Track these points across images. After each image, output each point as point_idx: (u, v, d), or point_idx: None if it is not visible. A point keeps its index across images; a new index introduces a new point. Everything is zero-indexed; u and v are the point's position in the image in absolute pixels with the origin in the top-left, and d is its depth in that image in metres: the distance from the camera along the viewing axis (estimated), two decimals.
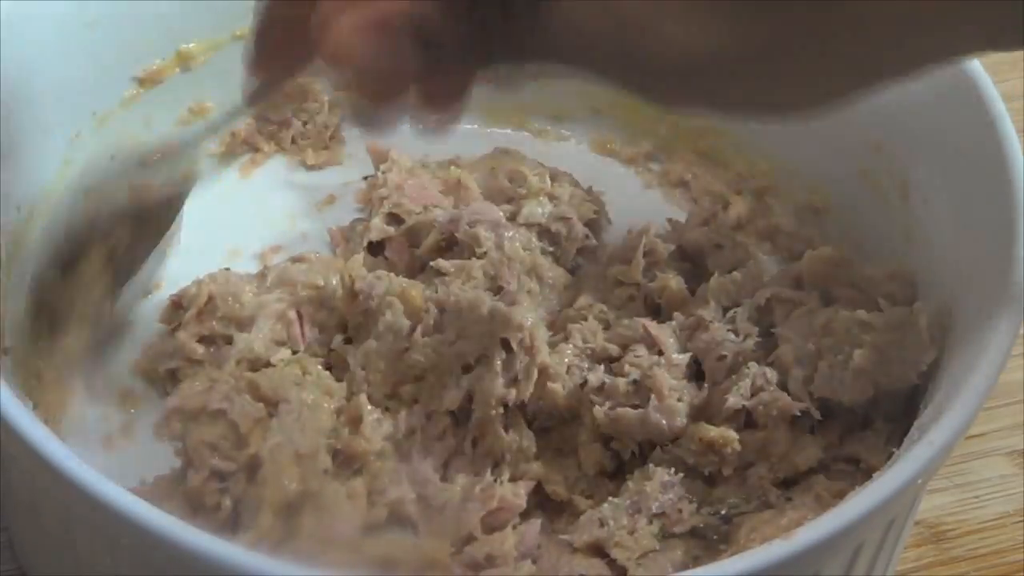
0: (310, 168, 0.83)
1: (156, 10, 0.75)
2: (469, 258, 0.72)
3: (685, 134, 0.82)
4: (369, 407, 0.66)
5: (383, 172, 0.78)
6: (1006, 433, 0.76)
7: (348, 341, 0.71)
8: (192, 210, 0.78)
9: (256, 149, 0.83)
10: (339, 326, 0.71)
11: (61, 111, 0.72)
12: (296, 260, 0.73)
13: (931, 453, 0.56)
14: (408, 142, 0.80)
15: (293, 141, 0.83)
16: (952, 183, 0.68)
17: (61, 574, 0.62)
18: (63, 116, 0.72)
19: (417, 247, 0.75)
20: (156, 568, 0.55)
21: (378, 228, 0.75)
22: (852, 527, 0.54)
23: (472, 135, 0.83)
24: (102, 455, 0.68)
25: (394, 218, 0.76)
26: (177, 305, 0.72)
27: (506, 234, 0.73)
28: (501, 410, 0.66)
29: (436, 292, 0.70)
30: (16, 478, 0.62)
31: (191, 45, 0.78)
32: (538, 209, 0.75)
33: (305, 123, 0.83)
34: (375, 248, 0.75)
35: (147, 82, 0.77)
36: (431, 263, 0.73)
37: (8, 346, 0.68)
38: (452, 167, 0.78)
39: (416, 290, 0.70)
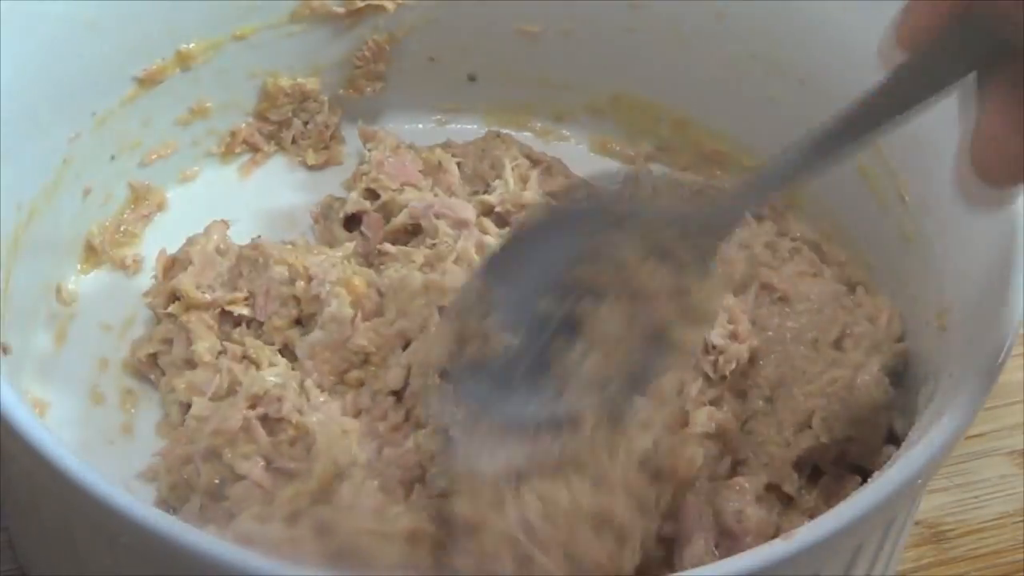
0: (310, 168, 0.83)
1: (156, 10, 0.75)
2: (431, 247, 0.73)
3: (686, 135, 0.82)
4: (316, 391, 0.68)
5: (369, 150, 0.79)
6: (1006, 433, 0.76)
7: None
8: (192, 210, 0.78)
9: (256, 149, 0.83)
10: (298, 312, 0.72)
11: (61, 111, 0.72)
12: (287, 244, 0.75)
13: (931, 453, 0.56)
14: (401, 129, 0.82)
15: (293, 141, 0.83)
16: (950, 182, 0.68)
17: (61, 574, 0.62)
18: (63, 116, 0.72)
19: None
20: (156, 568, 0.55)
21: (354, 201, 0.77)
22: (852, 527, 0.54)
23: (472, 135, 0.83)
24: (102, 455, 0.68)
25: (371, 193, 0.77)
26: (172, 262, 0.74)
27: (464, 232, 0.73)
28: (437, 379, 0.66)
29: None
30: (16, 477, 0.62)
31: (191, 45, 0.78)
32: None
33: (305, 123, 0.83)
34: (352, 223, 0.77)
35: (147, 82, 0.77)
36: (377, 246, 0.75)
37: (8, 345, 0.68)
38: (437, 149, 0.79)
39: (359, 278, 0.71)
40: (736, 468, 0.67)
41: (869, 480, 0.56)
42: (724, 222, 0.60)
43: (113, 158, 0.77)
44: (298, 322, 0.72)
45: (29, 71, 0.69)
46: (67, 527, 0.59)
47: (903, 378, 0.69)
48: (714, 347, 0.69)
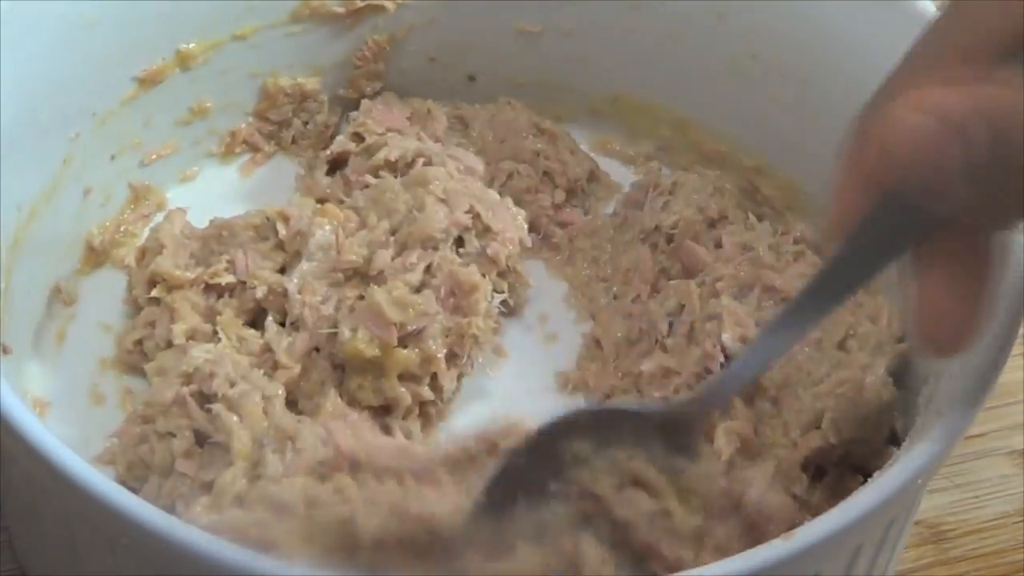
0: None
1: (156, 10, 0.75)
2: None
3: (686, 135, 0.82)
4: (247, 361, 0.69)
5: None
6: (1006, 433, 0.76)
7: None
8: (192, 210, 0.78)
9: (256, 149, 0.83)
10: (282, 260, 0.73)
11: (61, 111, 0.72)
12: None
13: (931, 453, 0.56)
14: None
15: (293, 141, 0.83)
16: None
17: (61, 574, 0.62)
18: (63, 116, 0.72)
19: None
20: (156, 568, 0.55)
21: (340, 142, 0.78)
22: (852, 527, 0.54)
23: None
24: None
25: (358, 138, 0.78)
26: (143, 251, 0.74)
27: (468, 179, 0.75)
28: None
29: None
30: (16, 478, 0.62)
31: (191, 45, 0.78)
32: None
33: (305, 123, 0.83)
34: (336, 170, 0.78)
35: (147, 82, 0.77)
36: (358, 178, 0.77)
37: (8, 345, 0.68)
38: (429, 101, 0.81)
39: (332, 207, 0.73)
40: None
41: (869, 480, 0.56)
42: (687, 425, 0.61)
43: (113, 158, 0.77)
44: (281, 273, 0.73)
45: (29, 71, 0.69)
46: (67, 527, 0.59)
47: (903, 378, 0.69)
48: (725, 351, 0.69)
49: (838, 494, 0.66)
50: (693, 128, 0.82)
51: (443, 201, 0.72)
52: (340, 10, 0.81)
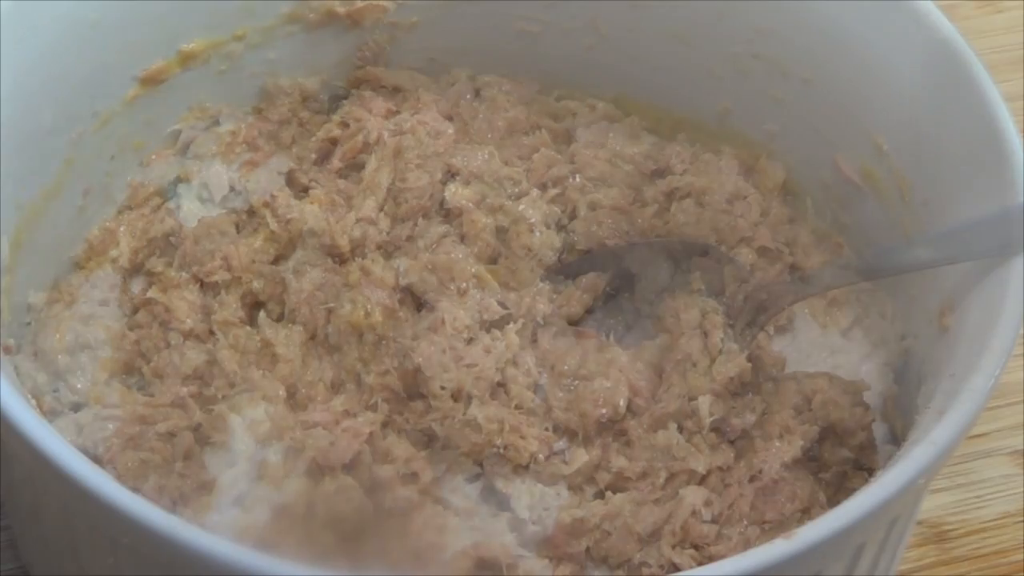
0: None
1: (156, 10, 0.75)
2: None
3: (686, 135, 0.82)
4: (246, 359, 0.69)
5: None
6: (1008, 433, 0.76)
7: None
8: (192, 210, 0.78)
9: (256, 149, 0.83)
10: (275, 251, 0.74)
11: (62, 111, 0.72)
12: None
13: (933, 453, 0.56)
14: None
15: (293, 141, 0.83)
16: (952, 183, 0.68)
17: (63, 573, 0.62)
18: (64, 116, 0.72)
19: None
20: (157, 568, 0.55)
21: (327, 129, 0.79)
22: (854, 527, 0.54)
23: None
24: None
25: (344, 125, 0.79)
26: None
27: (438, 142, 0.76)
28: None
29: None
30: (18, 477, 0.62)
31: (191, 45, 0.78)
32: None
33: (305, 123, 0.83)
34: (325, 160, 0.79)
35: (148, 82, 0.77)
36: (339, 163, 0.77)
37: (8, 345, 0.68)
38: (420, 89, 0.81)
39: (316, 193, 0.74)
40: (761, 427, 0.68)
41: (871, 479, 0.56)
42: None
43: (113, 158, 0.77)
44: (274, 264, 0.73)
45: (31, 71, 0.69)
46: (69, 527, 0.59)
47: (903, 377, 0.69)
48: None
49: (842, 489, 0.66)
50: (693, 128, 0.82)
51: (420, 167, 0.73)
52: (340, 10, 0.80)
